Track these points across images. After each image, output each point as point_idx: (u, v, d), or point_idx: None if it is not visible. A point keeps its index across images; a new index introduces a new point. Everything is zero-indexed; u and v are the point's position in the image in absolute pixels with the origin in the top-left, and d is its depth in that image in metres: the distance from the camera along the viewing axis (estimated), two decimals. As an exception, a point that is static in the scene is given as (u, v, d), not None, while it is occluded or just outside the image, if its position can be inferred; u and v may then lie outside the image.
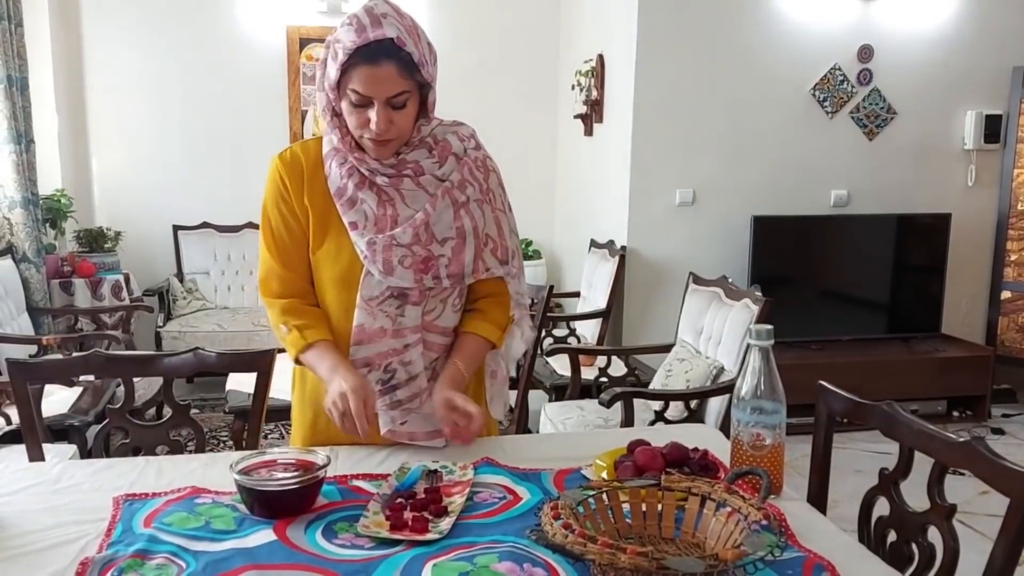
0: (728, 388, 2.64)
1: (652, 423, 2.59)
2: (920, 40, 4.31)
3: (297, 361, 1.52)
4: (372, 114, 1.33)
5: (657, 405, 2.65)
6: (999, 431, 4.06)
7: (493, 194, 1.52)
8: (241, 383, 3.20)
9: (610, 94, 4.44)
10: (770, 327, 1.37)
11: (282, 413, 3.23)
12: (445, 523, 1.24)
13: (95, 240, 4.48)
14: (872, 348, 4.22)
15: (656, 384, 3.04)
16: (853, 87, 4.28)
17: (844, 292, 4.37)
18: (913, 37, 4.30)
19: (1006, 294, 4.46)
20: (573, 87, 4.76)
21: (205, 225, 5.01)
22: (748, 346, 1.38)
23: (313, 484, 1.30)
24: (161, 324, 4.52)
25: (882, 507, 1.37)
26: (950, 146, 4.46)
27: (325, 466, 1.32)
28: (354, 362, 1.48)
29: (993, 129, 4.40)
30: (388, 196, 1.43)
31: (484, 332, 1.54)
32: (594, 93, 4.53)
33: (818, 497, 1.47)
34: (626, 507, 1.24)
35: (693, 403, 2.67)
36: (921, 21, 4.29)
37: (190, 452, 1.67)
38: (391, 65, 1.31)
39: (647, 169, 4.16)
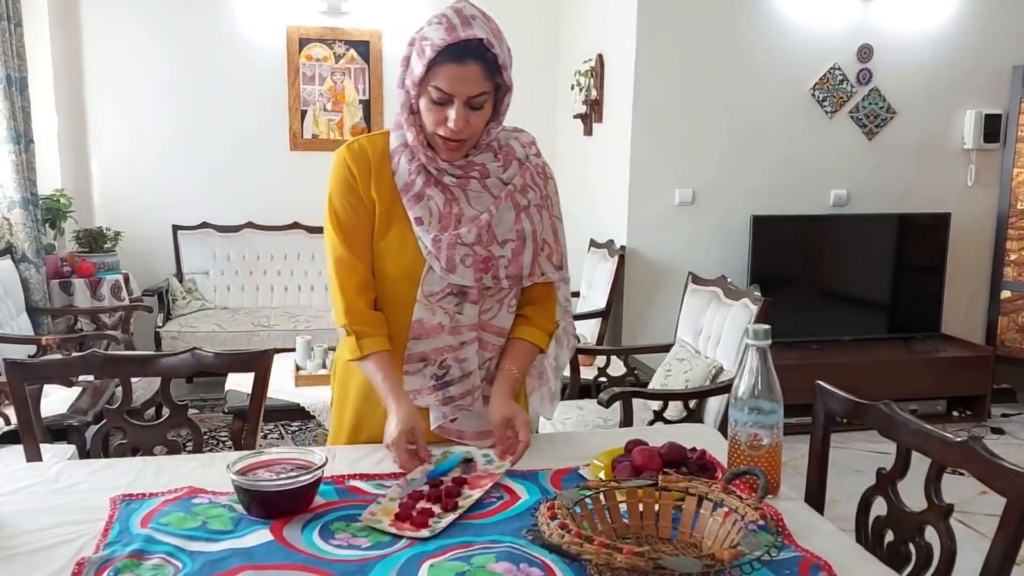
0: (727, 388, 2.63)
1: (651, 423, 2.59)
2: (920, 40, 4.31)
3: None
4: (451, 112, 1.36)
5: (656, 405, 2.64)
6: (999, 431, 4.06)
7: (551, 201, 1.56)
8: (240, 383, 3.20)
9: (610, 94, 4.44)
10: (767, 327, 1.37)
11: (281, 413, 3.26)
12: (445, 520, 1.24)
13: (94, 240, 4.48)
14: (872, 348, 4.22)
15: (655, 384, 3.03)
16: (853, 87, 4.28)
17: (844, 292, 4.37)
18: (913, 37, 4.30)
19: (1006, 294, 4.46)
20: (573, 87, 4.76)
21: (204, 225, 5.01)
22: (746, 346, 1.38)
23: (310, 484, 1.30)
24: (160, 324, 4.52)
25: (880, 507, 1.37)
26: (950, 146, 4.46)
27: (322, 466, 1.32)
28: (410, 356, 1.50)
29: (993, 128, 4.39)
30: (454, 195, 1.46)
31: (533, 338, 1.57)
32: (594, 93, 4.53)
33: (816, 497, 1.47)
34: (623, 507, 1.24)
35: (692, 403, 2.67)
36: (921, 21, 4.29)
37: (188, 452, 1.67)
38: (476, 65, 1.34)
39: (647, 169, 4.16)
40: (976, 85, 4.40)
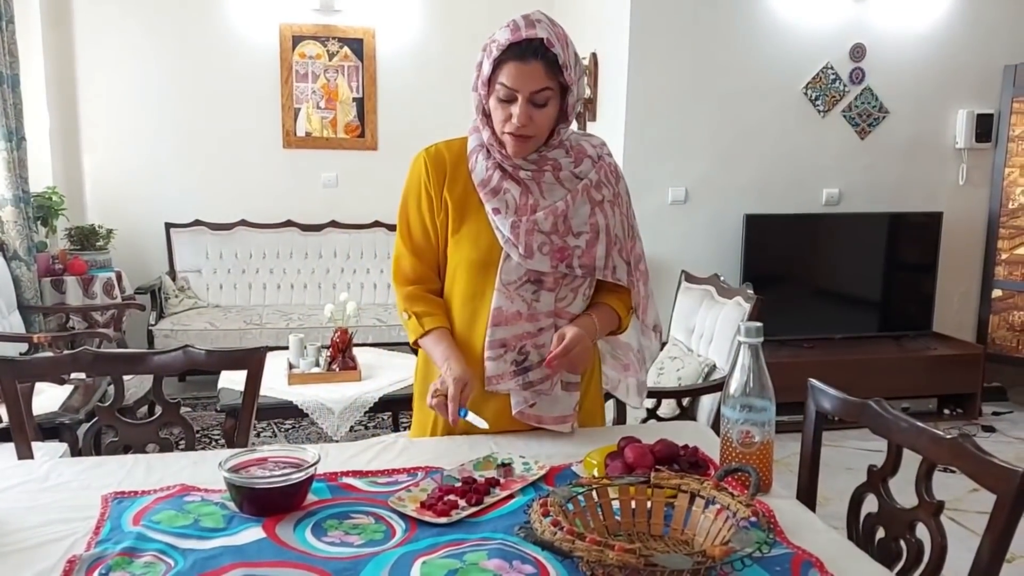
0: (719, 386, 2.64)
1: (644, 421, 2.59)
2: (912, 39, 4.32)
3: (416, 344, 1.64)
4: (515, 108, 1.45)
5: (649, 403, 2.65)
6: (990, 429, 4.08)
7: (623, 199, 1.64)
8: (233, 381, 3.19)
9: (603, 93, 4.44)
10: (759, 324, 1.37)
11: (274, 412, 3.25)
12: (467, 512, 1.28)
13: (87, 238, 4.47)
14: (864, 346, 4.24)
15: (649, 382, 3.03)
16: (845, 86, 4.29)
17: (836, 290, 4.38)
18: (905, 36, 4.31)
19: (997, 292, 4.48)
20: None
21: (197, 223, 5.00)
22: (738, 343, 1.38)
23: (303, 482, 1.30)
24: (153, 322, 4.51)
25: (871, 504, 1.38)
26: (942, 145, 4.47)
27: (315, 464, 1.32)
28: (491, 343, 1.57)
29: (984, 128, 4.41)
30: (529, 188, 1.54)
31: (614, 304, 1.63)
32: (587, 91, 4.53)
33: (807, 494, 1.48)
34: (615, 504, 1.25)
35: (685, 401, 2.68)
36: (913, 20, 4.30)
37: (180, 450, 1.67)
38: (538, 63, 1.43)
39: (640, 167, 4.16)
40: (968, 85, 4.42)
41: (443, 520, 1.25)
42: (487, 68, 1.47)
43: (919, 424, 1.30)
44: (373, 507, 1.31)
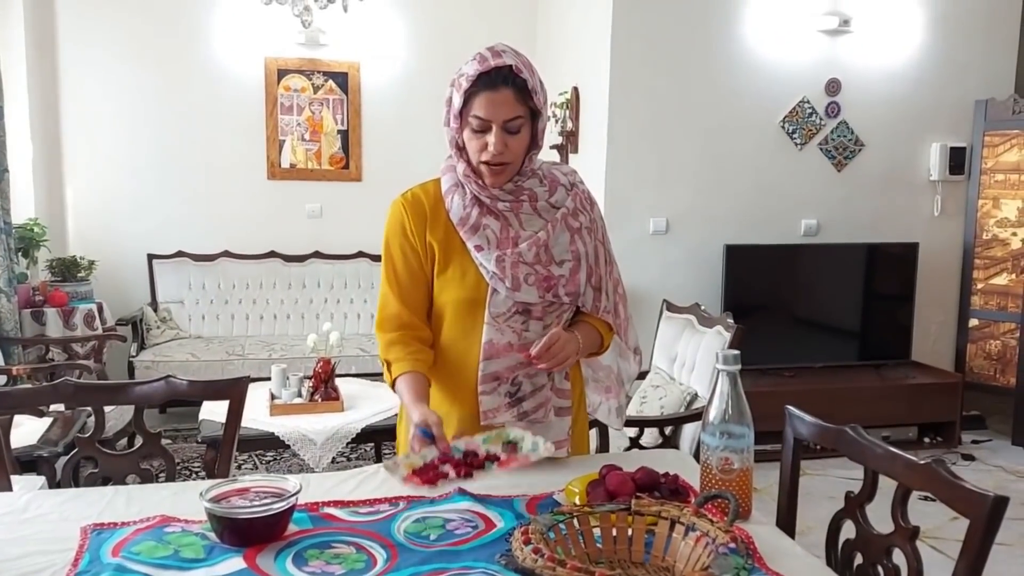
0: (701, 414, 2.66)
1: (627, 449, 2.60)
2: (886, 74, 4.43)
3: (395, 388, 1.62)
4: (490, 137, 1.47)
5: (632, 431, 2.66)
6: (969, 457, 4.11)
7: (597, 226, 1.66)
8: (214, 412, 3.17)
9: (585, 125, 4.51)
10: (737, 352, 1.40)
11: (257, 443, 3.23)
12: (453, 485, 1.36)
13: (68, 269, 4.44)
14: (844, 375, 4.28)
15: (631, 411, 3.05)
16: (821, 119, 4.38)
17: (816, 320, 4.43)
18: (879, 71, 4.42)
19: (974, 321, 4.55)
20: (549, 118, 4.82)
21: (180, 254, 4.99)
22: (716, 371, 1.41)
23: (283, 512, 1.29)
24: (134, 354, 4.48)
25: (849, 530, 1.39)
26: (917, 177, 4.56)
27: (296, 493, 1.32)
28: (484, 377, 1.58)
29: (958, 161, 4.51)
30: (508, 220, 1.56)
31: (594, 324, 1.64)
32: (570, 124, 4.60)
33: (787, 520, 1.49)
34: (597, 531, 1.25)
35: (668, 429, 2.69)
36: (887, 56, 4.41)
37: (161, 482, 1.66)
38: (508, 90, 1.46)
39: (622, 198, 4.22)
40: (941, 119, 4.52)
41: (428, 489, 1.30)
42: (458, 101, 1.49)
43: (893, 450, 1.32)
44: (354, 537, 1.31)
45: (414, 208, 1.59)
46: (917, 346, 4.47)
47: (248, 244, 5.08)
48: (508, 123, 1.47)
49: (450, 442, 1.43)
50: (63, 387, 1.59)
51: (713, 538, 1.15)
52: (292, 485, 1.34)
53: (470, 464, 1.35)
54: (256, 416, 3.15)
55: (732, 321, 2.71)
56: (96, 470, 1.65)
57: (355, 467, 3.80)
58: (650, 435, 2.74)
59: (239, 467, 3.87)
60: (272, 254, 5.09)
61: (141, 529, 1.30)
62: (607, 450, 2.52)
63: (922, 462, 1.25)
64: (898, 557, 1.29)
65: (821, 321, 4.43)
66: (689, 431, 2.73)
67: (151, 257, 4.94)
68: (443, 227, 1.58)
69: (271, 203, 5.15)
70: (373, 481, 1.57)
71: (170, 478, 1.67)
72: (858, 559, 1.36)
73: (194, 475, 3.74)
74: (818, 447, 1.50)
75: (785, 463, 1.52)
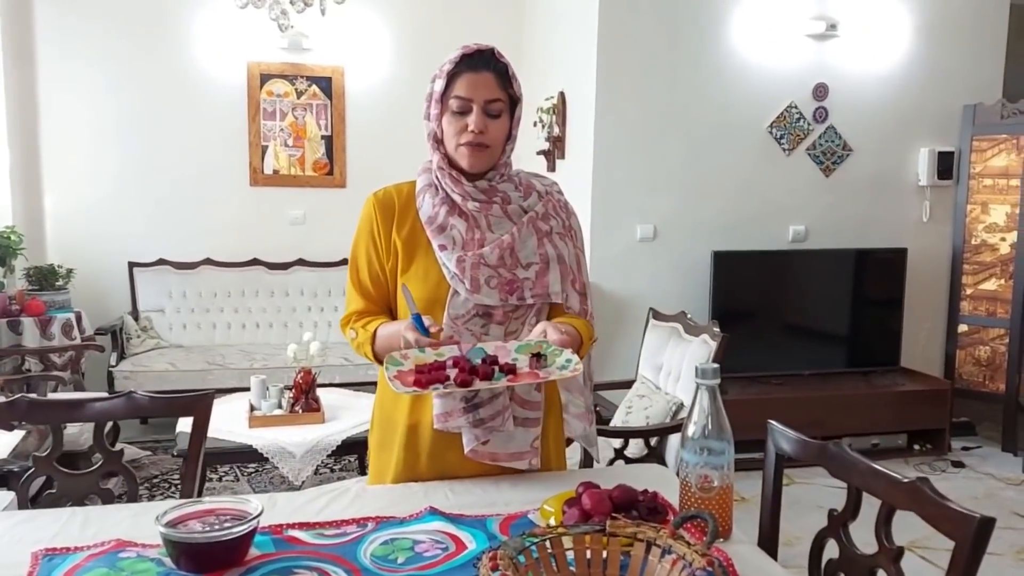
0: (687, 425, 2.61)
1: (612, 461, 2.56)
2: (874, 79, 4.40)
3: (378, 360, 1.56)
4: (471, 117, 1.50)
5: (617, 442, 2.61)
6: (959, 464, 4.08)
7: (575, 233, 1.65)
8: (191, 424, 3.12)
9: (572, 131, 4.47)
10: (716, 366, 1.35)
11: (236, 456, 3.16)
12: (444, 390, 1.35)
13: (45, 278, 4.37)
14: (832, 382, 4.24)
15: (617, 420, 3.00)
16: (809, 124, 4.35)
17: (804, 326, 4.39)
18: (867, 76, 4.39)
19: (963, 327, 4.52)
20: (535, 123, 4.79)
21: (161, 261, 4.92)
22: (696, 385, 1.36)
23: (243, 536, 1.24)
24: (114, 363, 4.40)
25: (833, 549, 1.34)
26: (905, 182, 4.54)
27: (258, 516, 1.26)
28: None
29: (946, 166, 4.49)
30: (476, 222, 1.55)
31: (576, 324, 1.54)
32: (556, 130, 4.56)
33: (769, 539, 1.44)
34: (570, 554, 1.20)
35: (653, 440, 2.64)
36: (874, 61, 4.39)
37: (123, 502, 1.60)
38: (489, 73, 1.51)
39: (608, 204, 4.17)
40: (929, 124, 4.50)
41: (414, 390, 1.31)
42: (440, 85, 1.52)
43: (876, 467, 1.27)
44: (318, 561, 1.25)
45: (383, 206, 1.59)
46: (906, 352, 4.44)
47: (230, 252, 5.02)
48: (489, 104, 1.50)
49: (473, 348, 1.43)
50: (18, 404, 1.53)
51: (690, 562, 1.10)
52: (254, 507, 1.28)
53: (474, 371, 1.33)
54: (234, 428, 3.09)
55: (718, 330, 2.67)
56: (54, 490, 1.58)
57: (339, 479, 3.77)
58: (635, 446, 2.69)
59: (220, 479, 3.80)
60: (255, 262, 5.03)
61: (94, 555, 1.25)
62: (591, 464, 2.47)
63: (905, 480, 1.20)
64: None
65: (810, 328, 4.39)
66: (675, 442, 2.68)
67: (132, 265, 4.87)
68: (410, 226, 1.58)
69: (254, 210, 5.08)
70: (344, 499, 1.51)
71: (132, 498, 1.61)
72: (842, 579, 1.31)
73: (174, 487, 3.67)
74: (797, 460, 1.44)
75: (767, 479, 1.48)
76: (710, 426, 1.34)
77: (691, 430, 1.35)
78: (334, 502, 1.50)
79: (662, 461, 2.70)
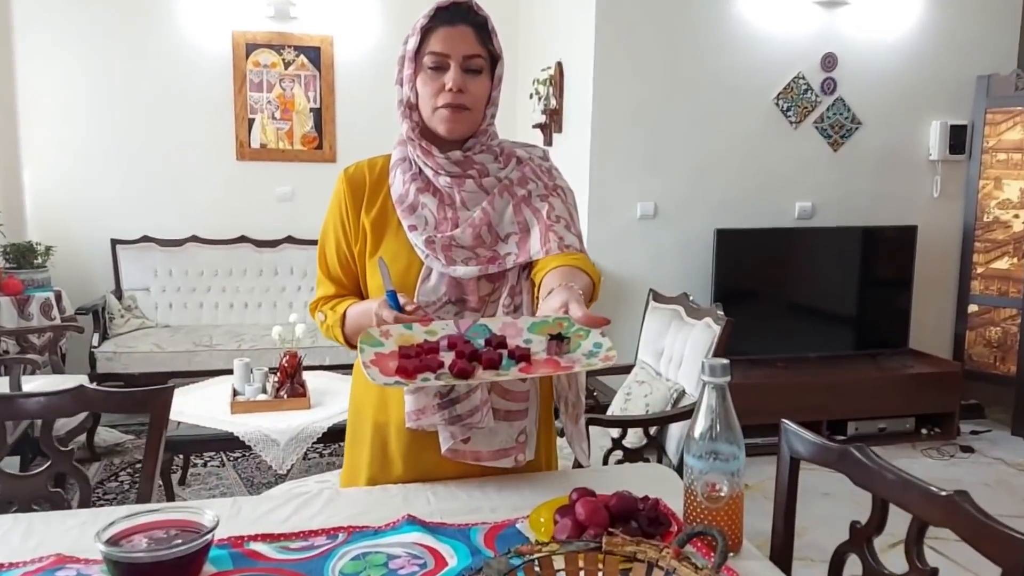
0: (689, 413, 2.47)
1: (609, 451, 2.42)
2: (884, 49, 4.22)
3: (348, 343, 1.45)
4: (448, 74, 1.35)
5: (615, 432, 2.48)
6: (968, 449, 3.95)
7: (562, 190, 1.46)
8: (173, 410, 2.98)
9: (569, 103, 4.29)
10: (726, 361, 1.21)
11: (217, 444, 3.04)
12: (435, 383, 1.06)
13: (23, 255, 4.22)
14: (839, 365, 4.10)
15: (615, 408, 2.87)
16: (817, 96, 4.18)
17: (810, 306, 4.25)
18: (877, 46, 4.21)
19: (973, 307, 4.38)
20: (531, 96, 4.61)
21: (146, 239, 4.77)
22: (702, 384, 1.22)
23: (195, 553, 1.10)
24: (96, 344, 4.26)
25: (855, 566, 1.21)
26: (916, 157, 4.37)
27: (212, 529, 1.12)
28: None
29: (958, 139, 4.32)
30: (449, 200, 1.40)
31: (579, 263, 1.31)
32: (553, 102, 4.38)
33: (782, 552, 1.30)
34: (561, 574, 1.07)
35: (652, 429, 2.51)
36: (885, 30, 4.21)
37: (73, 508, 1.46)
38: (467, 27, 1.36)
39: (607, 181, 4.02)
40: (941, 95, 4.33)
41: (396, 381, 1.04)
42: (413, 43, 1.38)
43: (908, 476, 1.13)
44: (279, 581, 1.12)
45: (353, 184, 1.46)
46: (915, 334, 4.30)
47: (217, 229, 4.86)
48: (468, 60, 1.35)
49: (473, 325, 1.18)
50: (-47, 399, 1.39)
51: (697, 590, 0.96)
52: (209, 519, 1.15)
53: (477, 357, 1.06)
54: (216, 414, 2.96)
55: (721, 313, 2.52)
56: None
57: (328, 463, 3.64)
58: (634, 434, 2.56)
59: (205, 464, 3.68)
60: (242, 239, 4.87)
61: (30, 573, 1.11)
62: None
63: (943, 493, 1.06)
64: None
65: (816, 308, 4.25)
66: (675, 431, 2.55)
67: (114, 242, 4.72)
68: (380, 205, 1.44)
69: (241, 185, 4.92)
70: (315, 504, 1.38)
71: (84, 503, 1.47)
72: (865, 600, 1.18)
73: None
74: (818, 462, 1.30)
75: (780, 485, 1.34)
76: (718, 428, 1.20)
77: (697, 432, 1.21)
78: (303, 508, 1.37)
79: (662, 450, 2.57)
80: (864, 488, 1.19)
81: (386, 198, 1.44)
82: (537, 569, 1.05)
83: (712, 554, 1.19)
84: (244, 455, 3.77)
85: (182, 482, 3.48)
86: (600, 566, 1.06)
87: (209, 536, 1.12)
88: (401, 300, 1.26)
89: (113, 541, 1.11)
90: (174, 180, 4.83)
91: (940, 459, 3.82)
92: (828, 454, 1.26)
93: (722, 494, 1.20)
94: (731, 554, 1.18)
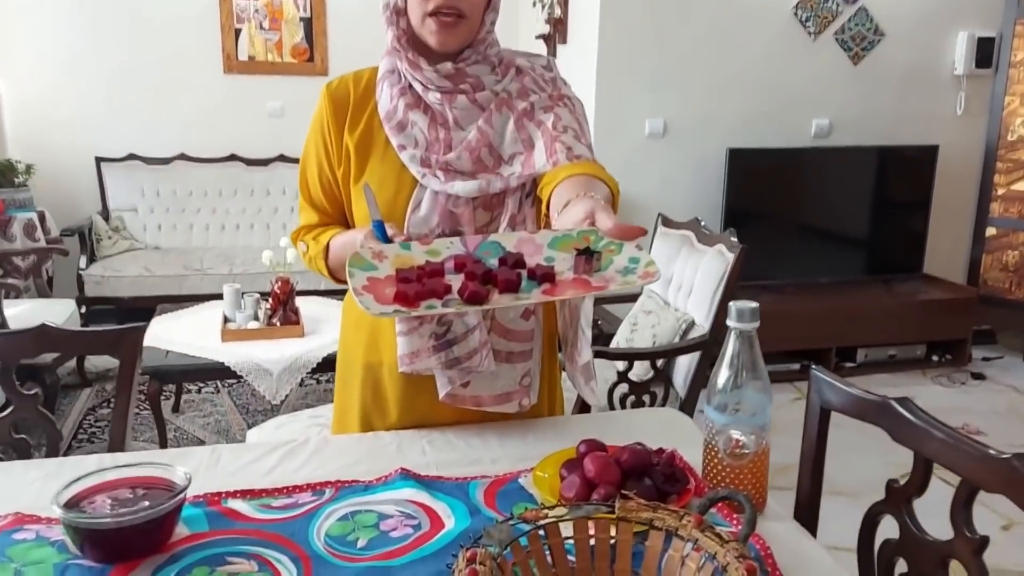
0: (699, 345, 2.37)
1: (615, 384, 2.32)
2: (912, -47, 3.94)
3: (334, 277, 1.35)
4: None
5: (621, 365, 2.37)
6: (979, 376, 3.87)
7: (571, 101, 1.28)
8: (159, 338, 2.90)
9: (575, 11, 4.04)
10: (755, 305, 1.08)
11: (207, 373, 2.93)
12: (443, 309, 0.87)
13: (3, 174, 4.04)
14: (851, 291, 3.98)
15: (619, 339, 2.76)
16: (838, 5, 3.92)
17: (823, 229, 4.10)
18: (904, -50, 3.93)
19: (991, 231, 4.23)
20: (534, 4, 4.35)
21: (132, 157, 4.58)
22: (728, 329, 1.09)
23: (165, 516, 0.99)
24: (83, 267, 4.13)
25: (890, 527, 1.11)
26: (940, 71, 4.14)
27: (184, 489, 1.02)
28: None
29: (985, 53, 4.08)
30: (441, 118, 1.25)
31: (595, 172, 1.13)
32: (557, 10, 4.13)
33: (808, 512, 1.20)
34: (570, 542, 0.96)
35: (660, 362, 2.40)
36: (914, -69, 3.91)
37: (41, 456, 1.35)
38: None
39: (614, 96, 3.80)
40: (968, 4, 4.07)
41: (395, 309, 0.86)
42: None
43: (958, 433, 1.01)
44: (259, 545, 1.01)
45: (336, 100, 1.31)
46: (930, 258, 4.16)
47: (206, 146, 4.66)
48: None
49: (483, 242, 0.99)
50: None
51: (723, 566, 0.86)
52: (180, 476, 1.04)
53: (493, 279, 0.89)
54: (206, 343, 2.85)
55: (735, 240, 2.38)
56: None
57: (326, 391, 3.55)
58: (641, 367, 2.45)
59: (199, 391, 3.60)
60: (232, 157, 4.68)
61: (-17, 535, 1.01)
62: (588, 405, 2.23)
63: (1001, 456, 0.94)
64: (956, 569, 1.01)
65: (829, 231, 4.09)
66: (684, 363, 2.45)
67: (99, 160, 4.53)
68: (365, 123, 1.29)
69: (229, 100, 4.69)
70: (299, 456, 1.28)
71: (52, 451, 1.37)
72: (901, 566, 1.08)
73: (142, 406, 3.46)
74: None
75: (809, 437, 1.23)
76: (743, 379, 1.08)
77: (719, 382, 1.09)
78: (288, 458, 1.27)
79: (669, 382, 2.47)
80: (906, 446, 1.08)
81: (372, 115, 1.29)
82: (543, 537, 0.95)
83: (734, 515, 1.09)
84: (239, 381, 3.68)
85: (176, 409, 3.41)
86: (613, 533, 0.96)
87: (180, 497, 1.01)
88: (389, 231, 1.12)
89: (73, 503, 1.01)
90: (160, 94, 4.61)
91: (951, 386, 3.74)
92: (865, 406, 1.14)
93: (746, 451, 1.09)
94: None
